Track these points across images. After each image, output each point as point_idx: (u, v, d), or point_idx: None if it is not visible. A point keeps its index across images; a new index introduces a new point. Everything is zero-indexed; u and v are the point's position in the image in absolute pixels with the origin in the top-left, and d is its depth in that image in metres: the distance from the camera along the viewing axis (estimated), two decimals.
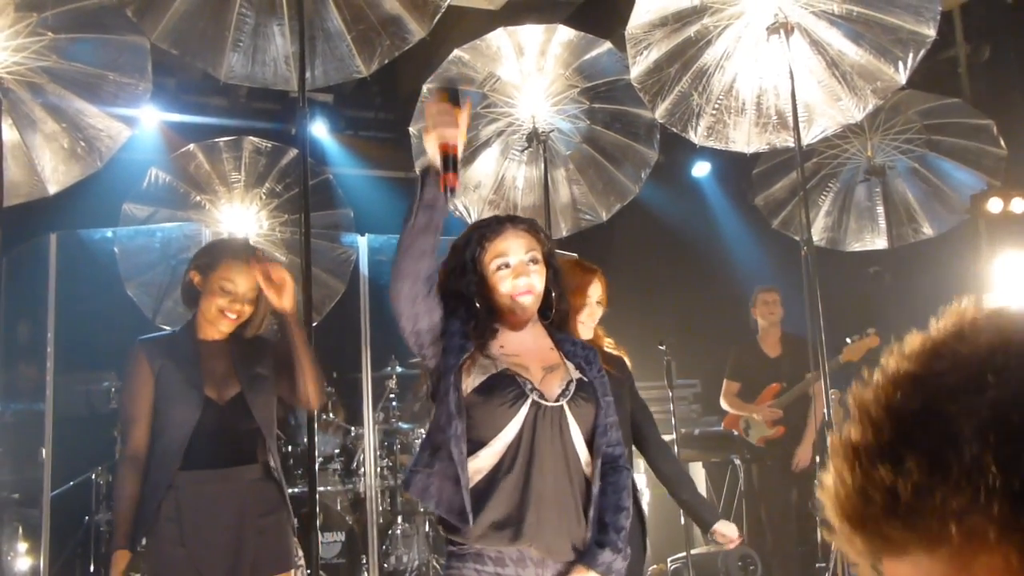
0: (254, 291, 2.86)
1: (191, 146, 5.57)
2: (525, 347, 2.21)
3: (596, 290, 3.00)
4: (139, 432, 2.77)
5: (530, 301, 2.20)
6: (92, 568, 5.37)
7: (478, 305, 2.19)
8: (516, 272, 2.17)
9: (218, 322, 2.87)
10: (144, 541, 2.72)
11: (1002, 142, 5.37)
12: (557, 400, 2.12)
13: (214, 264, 2.90)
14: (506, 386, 2.09)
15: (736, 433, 5.77)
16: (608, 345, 3.07)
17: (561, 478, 2.08)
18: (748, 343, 5.87)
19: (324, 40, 4.04)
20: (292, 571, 2.90)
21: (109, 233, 5.27)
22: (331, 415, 5.73)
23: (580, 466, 2.13)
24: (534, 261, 2.20)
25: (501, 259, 2.18)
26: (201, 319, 2.90)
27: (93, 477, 5.68)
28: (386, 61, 4.13)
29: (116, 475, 2.81)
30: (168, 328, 5.41)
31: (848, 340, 5.20)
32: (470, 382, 2.09)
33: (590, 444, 2.16)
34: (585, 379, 2.20)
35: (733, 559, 5.36)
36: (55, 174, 4.58)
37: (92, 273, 5.26)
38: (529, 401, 2.08)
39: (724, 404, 5.77)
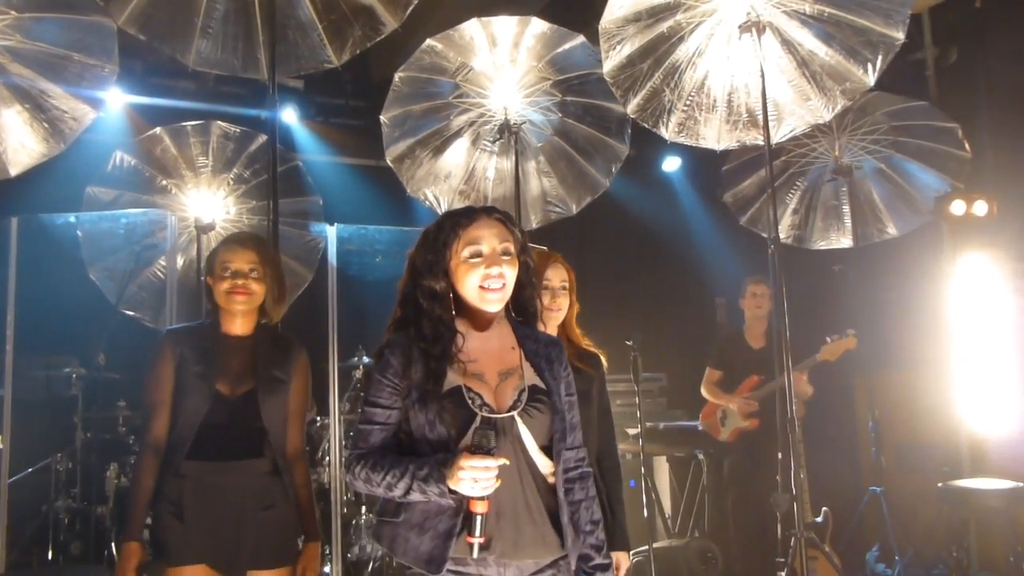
0: (256, 268, 2.92)
1: (157, 129, 5.50)
2: (485, 348, 2.17)
3: (556, 274, 2.96)
4: (161, 419, 2.83)
5: (498, 298, 2.13)
6: (50, 555, 5.31)
7: (438, 308, 2.14)
8: (489, 261, 2.11)
9: (231, 306, 2.91)
10: (148, 520, 2.79)
11: (967, 145, 5.45)
12: (509, 411, 2.09)
13: (214, 256, 2.98)
14: (455, 404, 2.06)
15: (701, 427, 5.78)
16: (586, 344, 3.05)
17: (521, 487, 2.07)
18: (733, 332, 5.86)
19: (295, 29, 4.00)
20: (293, 566, 2.90)
21: (72, 218, 5.19)
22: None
23: (541, 473, 2.12)
24: (507, 253, 2.14)
25: (474, 247, 2.12)
26: (223, 315, 2.95)
27: (52, 464, 5.62)
28: (357, 52, 4.09)
29: (137, 463, 2.85)
30: (132, 313, 5.40)
31: (828, 339, 5.21)
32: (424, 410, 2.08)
33: (549, 449, 2.14)
34: (541, 384, 2.17)
35: (694, 552, 5.41)
36: (16, 155, 4.48)
37: (54, 258, 5.18)
38: (478, 419, 2.05)
39: (703, 391, 5.77)
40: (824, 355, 5.21)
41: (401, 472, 2.03)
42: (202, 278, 3.07)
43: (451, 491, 1.97)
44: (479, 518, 1.98)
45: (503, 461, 1.98)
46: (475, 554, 1.99)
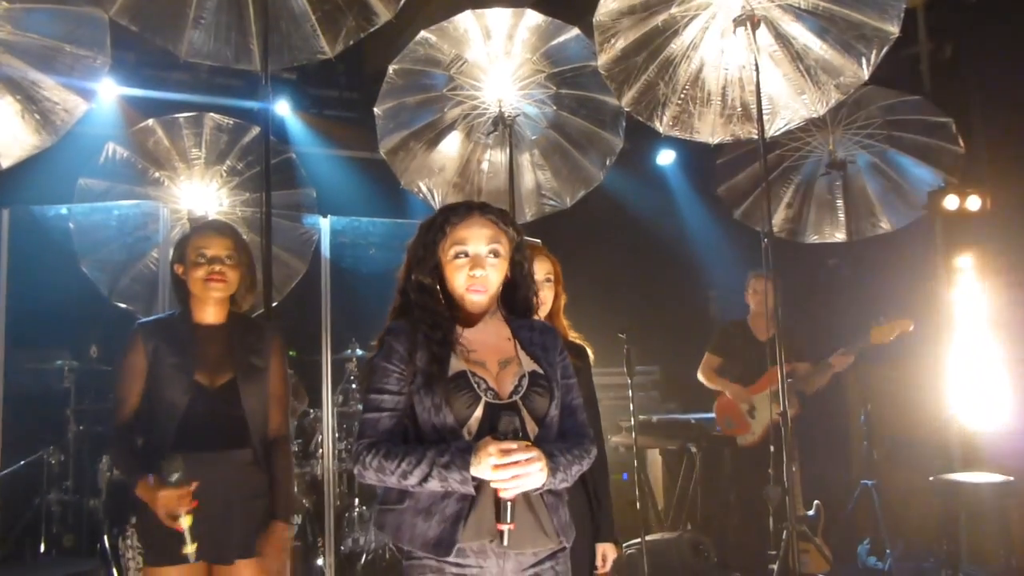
0: (231, 255, 2.90)
1: (150, 121, 5.48)
2: (482, 339, 2.17)
3: (539, 267, 2.95)
4: (127, 410, 2.81)
5: (480, 299, 2.14)
6: (43, 548, 5.30)
7: (428, 300, 2.15)
8: (473, 263, 2.12)
9: (208, 294, 2.88)
10: (134, 520, 2.80)
11: (960, 140, 5.45)
12: (511, 397, 2.09)
13: (187, 243, 2.94)
14: (461, 388, 2.06)
15: (718, 428, 5.65)
16: (573, 336, 3.05)
17: None
18: (738, 321, 5.75)
19: (288, 20, 3.99)
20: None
21: (64, 210, 5.16)
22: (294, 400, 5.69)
23: None
24: (495, 254, 2.14)
25: (460, 247, 2.13)
26: (195, 303, 2.92)
27: (44, 457, 5.61)
28: (351, 43, 4.09)
29: (115, 446, 2.87)
30: (124, 305, 5.38)
31: (877, 322, 5.10)
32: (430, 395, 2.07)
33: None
34: (540, 370, 2.17)
35: (686, 545, 5.42)
36: (8, 147, 4.46)
37: (46, 250, 5.16)
38: (483, 403, 2.06)
39: (701, 377, 5.67)
40: (876, 338, 5.09)
41: (418, 459, 2.00)
42: (171, 268, 3.00)
43: (474, 478, 1.96)
44: (509, 504, 1.95)
45: (531, 446, 1.97)
46: (506, 541, 1.97)
